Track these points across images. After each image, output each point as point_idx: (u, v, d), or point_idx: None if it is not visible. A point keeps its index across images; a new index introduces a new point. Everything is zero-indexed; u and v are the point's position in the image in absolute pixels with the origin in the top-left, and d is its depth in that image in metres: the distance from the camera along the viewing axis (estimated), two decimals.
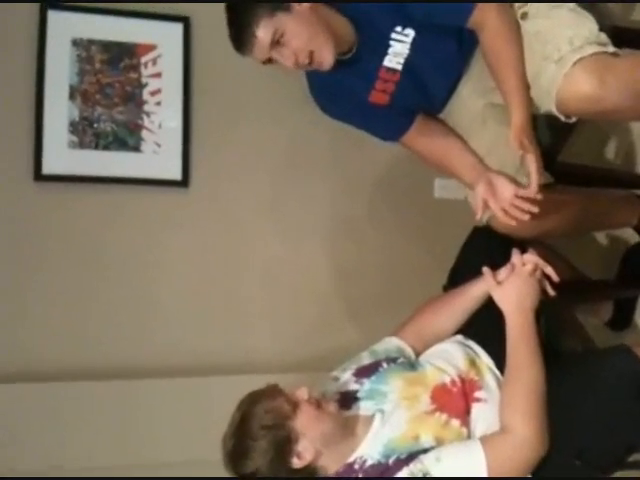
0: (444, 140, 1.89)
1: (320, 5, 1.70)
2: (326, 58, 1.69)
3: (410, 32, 1.73)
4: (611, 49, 1.64)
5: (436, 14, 1.69)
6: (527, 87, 1.69)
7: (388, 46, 1.75)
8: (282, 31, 1.64)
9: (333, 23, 1.71)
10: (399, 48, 1.75)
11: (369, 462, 1.48)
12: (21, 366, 2.10)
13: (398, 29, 1.73)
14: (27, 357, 2.12)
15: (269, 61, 1.71)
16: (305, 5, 1.66)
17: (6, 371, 2.07)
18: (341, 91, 1.85)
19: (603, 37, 1.66)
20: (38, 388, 2.06)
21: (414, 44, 1.74)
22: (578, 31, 1.65)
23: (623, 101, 1.59)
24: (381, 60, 1.77)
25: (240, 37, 1.67)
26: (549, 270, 1.64)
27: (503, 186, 1.72)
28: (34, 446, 2.01)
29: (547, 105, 1.67)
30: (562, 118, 1.68)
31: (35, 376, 2.09)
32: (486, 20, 1.67)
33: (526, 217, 1.69)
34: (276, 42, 1.66)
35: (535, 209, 1.69)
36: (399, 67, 1.78)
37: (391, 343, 1.74)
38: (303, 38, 1.66)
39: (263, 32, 1.64)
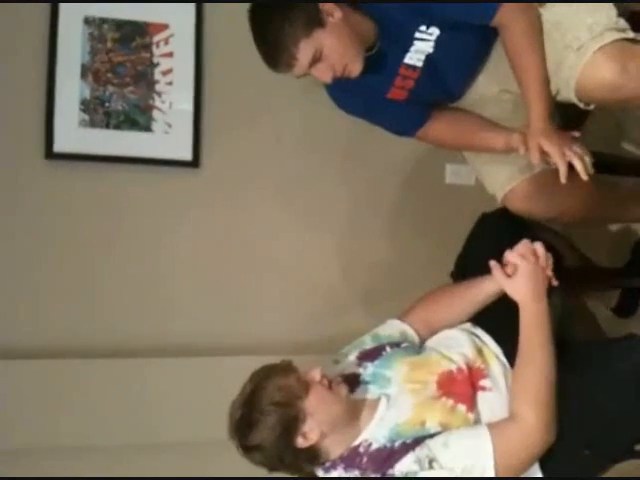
0: (463, 121, 1.88)
1: (348, 11, 1.67)
2: (356, 68, 1.67)
3: (435, 30, 1.70)
4: (631, 34, 1.62)
5: (461, 14, 1.67)
6: (548, 88, 1.67)
7: (411, 44, 1.73)
8: (321, 49, 1.62)
9: (359, 27, 1.69)
10: (422, 46, 1.73)
11: (374, 446, 1.48)
12: (29, 343, 2.12)
13: (422, 28, 1.70)
14: (36, 335, 2.13)
15: (304, 76, 1.69)
16: (337, 16, 1.63)
17: (13, 348, 2.09)
18: (358, 88, 1.82)
19: (622, 23, 1.64)
20: (45, 365, 2.07)
21: (438, 42, 1.72)
22: (597, 18, 1.63)
23: None
24: (402, 57, 1.75)
25: (278, 59, 1.64)
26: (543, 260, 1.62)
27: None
28: (38, 424, 2.02)
29: (567, 93, 1.65)
30: (581, 106, 1.66)
31: (43, 353, 2.10)
32: (510, 20, 1.65)
33: (585, 177, 1.60)
34: (315, 60, 1.63)
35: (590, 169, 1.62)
36: (420, 64, 1.75)
37: (395, 327, 1.74)
38: (340, 52, 1.64)
39: (303, 53, 1.61)
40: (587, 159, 1.62)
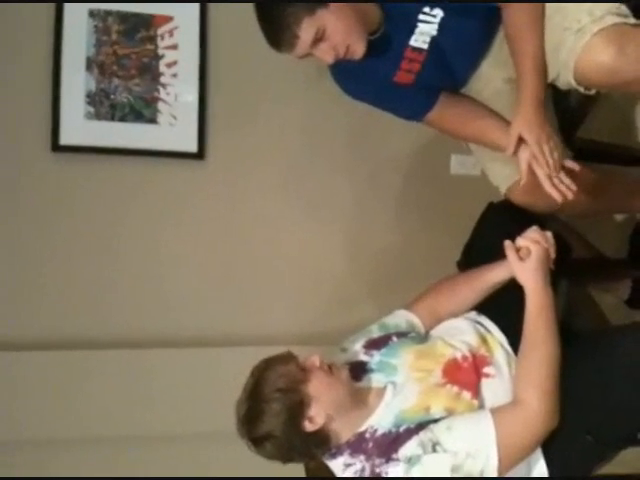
0: (471, 111, 1.86)
1: None
2: (359, 49, 1.67)
3: (438, 12, 1.70)
4: (632, 20, 1.61)
5: None
6: (544, 74, 1.66)
7: (415, 26, 1.72)
8: (323, 29, 1.62)
9: (363, 9, 1.68)
10: (426, 28, 1.72)
11: (380, 431, 1.48)
12: (35, 334, 2.14)
13: (426, 9, 1.70)
14: (42, 326, 2.16)
15: (306, 56, 1.69)
16: None
17: (20, 339, 2.11)
18: (365, 72, 1.82)
19: (624, 9, 1.63)
20: (50, 356, 2.09)
21: (441, 24, 1.71)
22: (599, 3, 1.62)
23: None
24: (407, 40, 1.74)
25: (280, 38, 1.63)
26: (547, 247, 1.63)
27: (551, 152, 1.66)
28: (46, 415, 2.04)
29: (566, 77, 1.64)
30: (581, 90, 1.66)
31: (48, 345, 2.12)
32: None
33: (569, 195, 1.64)
34: (317, 40, 1.63)
35: (574, 187, 1.64)
36: (425, 46, 1.75)
37: (402, 317, 1.74)
38: (342, 33, 1.63)
39: (306, 32, 1.61)
40: (557, 159, 1.64)
